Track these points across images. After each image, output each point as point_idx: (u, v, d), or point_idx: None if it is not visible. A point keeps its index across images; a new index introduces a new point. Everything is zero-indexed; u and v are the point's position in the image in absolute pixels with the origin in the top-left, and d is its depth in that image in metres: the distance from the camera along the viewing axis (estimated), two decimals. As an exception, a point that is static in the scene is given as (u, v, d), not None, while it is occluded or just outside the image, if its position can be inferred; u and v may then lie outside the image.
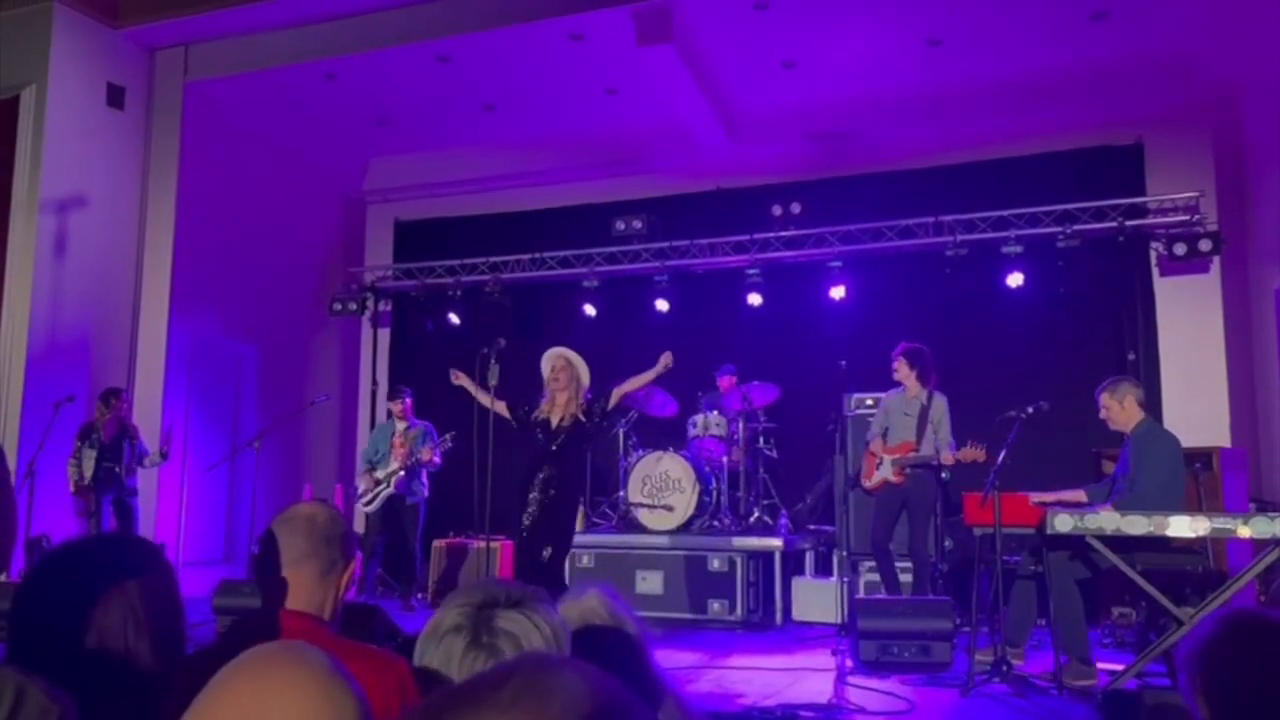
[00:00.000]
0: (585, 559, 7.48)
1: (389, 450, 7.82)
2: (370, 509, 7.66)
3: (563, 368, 5.91)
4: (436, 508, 8.96)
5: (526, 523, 5.89)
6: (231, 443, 8.84)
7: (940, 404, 6.43)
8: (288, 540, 1.85)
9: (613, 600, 1.69)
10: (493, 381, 6.55)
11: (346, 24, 8.07)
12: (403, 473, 7.68)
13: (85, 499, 7.27)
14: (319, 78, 8.67)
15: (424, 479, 7.87)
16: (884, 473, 6.39)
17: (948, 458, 6.21)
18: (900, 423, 6.44)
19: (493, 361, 5.91)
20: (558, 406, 5.95)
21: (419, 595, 8.20)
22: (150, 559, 1.57)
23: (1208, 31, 7.49)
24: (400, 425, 7.92)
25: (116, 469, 7.28)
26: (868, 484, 6.58)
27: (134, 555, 1.55)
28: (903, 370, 6.42)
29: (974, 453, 6.14)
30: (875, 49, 7.99)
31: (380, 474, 7.71)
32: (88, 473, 7.24)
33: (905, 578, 6.69)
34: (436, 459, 7.73)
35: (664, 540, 7.39)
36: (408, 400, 8.01)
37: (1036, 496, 5.25)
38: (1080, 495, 5.30)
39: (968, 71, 8.16)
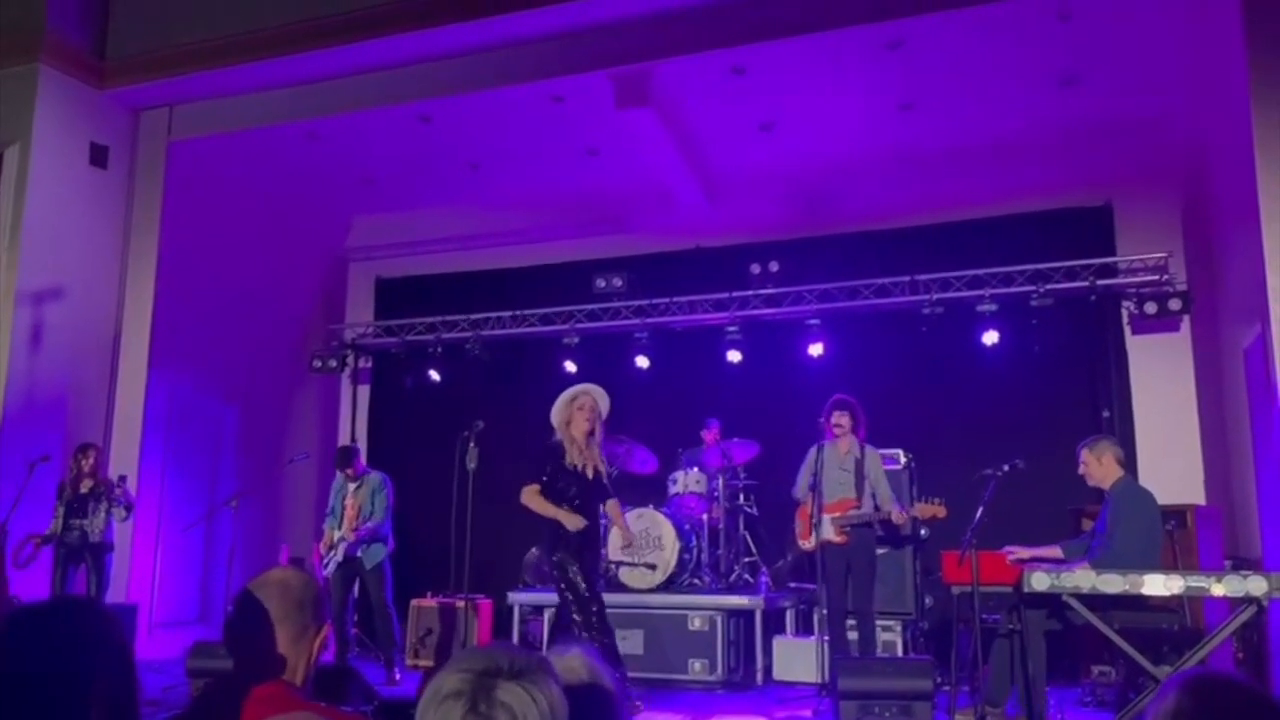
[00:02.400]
0: (565, 618, 7.41)
1: (341, 511, 7.40)
2: (327, 572, 7.26)
3: (593, 405, 5.64)
4: (415, 565, 8.89)
5: (594, 577, 5.67)
6: (209, 501, 8.77)
7: (875, 458, 6.36)
8: (260, 607, 1.85)
9: (594, 659, 1.71)
10: (471, 464, 6.51)
11: (330, 85, 8.18)
12: (349, 538, 7.23)
13: (39, 547, 7.07)
14: (302, 137, 8.77)
15: (386, 538, 7.37)
16: (824, 532, 6.25)
17: (899, 517, 6.13)
18: (836, 478, 6.32)
19: (471, 444, 5.84)
20: (591, 451, 5.65)
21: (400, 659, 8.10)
22: (106, 631, 1.55)
23: (1173, 96, 7.70)
24: (351, 486, 7.44)
25: (85, 525, 7.13)
26: (806, 545, 6.41)
27: (90, 626, 1.54)
28: (846, 422, 6.32)
29: (933, 509, 6.10)
30: (851, 112, 8.16)
31: (338, 533, 7.31)
32: (57, 528, 7.11)
33: (885, 636, 6.66)
34: (361, 534, 7.20)
35: (645, 599, 7.35)
36: (356, 462, 7.59)
37: (1014, 554, 5.27)
38: (1056, 551, 5.33)
39: (941, 134, 8.34)
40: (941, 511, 6.10)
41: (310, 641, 1.89)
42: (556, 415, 5.59)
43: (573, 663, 1.65)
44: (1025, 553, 5.26)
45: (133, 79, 8.41)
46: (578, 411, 5.50)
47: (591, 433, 5.48)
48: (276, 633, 1.84)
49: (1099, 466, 5.25)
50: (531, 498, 5.56)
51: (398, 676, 7.18)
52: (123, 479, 7.50)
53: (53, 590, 7.04)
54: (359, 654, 7.99)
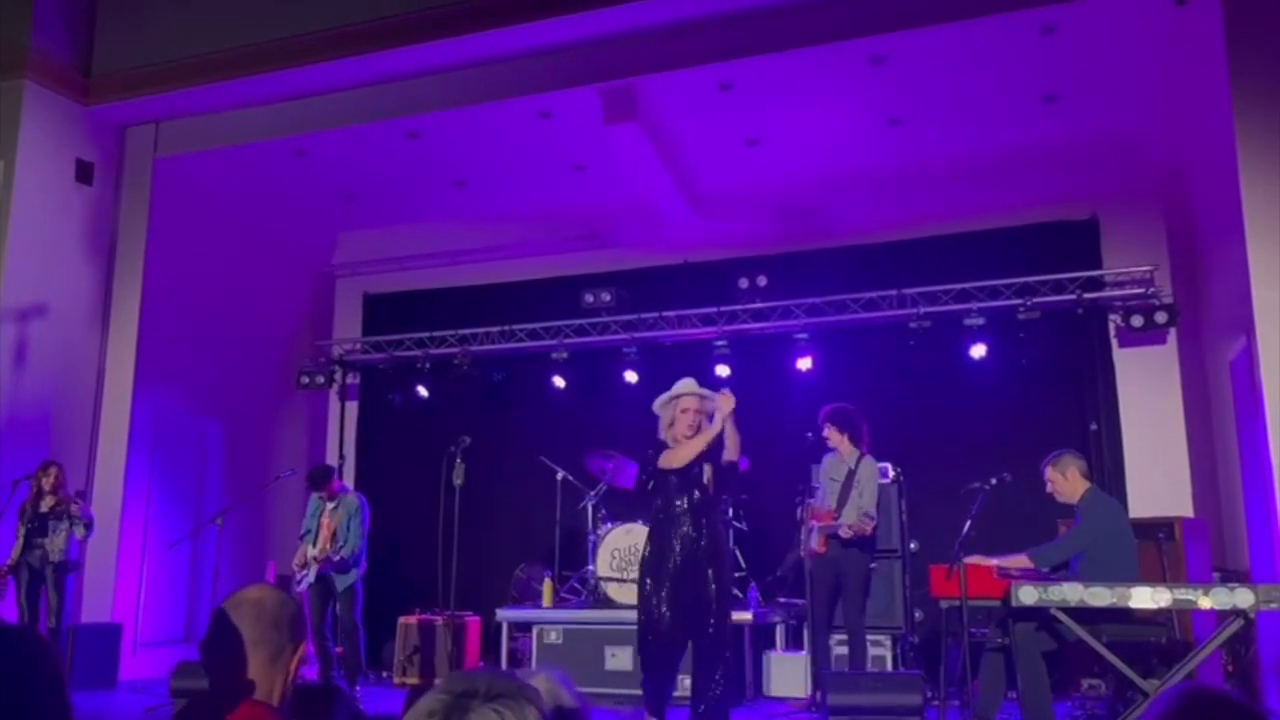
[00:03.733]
0: (553, 635, 7.39)
1: (318, 528, 7.26)
2: (301, 588, 7.15)
3: (696, 409, 5.10)
4: (403, 582, 8.85)
5: (668, 579, 5.00)
6: (195, 519, 8.71)
7: (868, 468, 6.32)
8: (235, 627, 1.83)
9: (562, 685, 1.68)
10: (458, 481, 6.42)
11: (317, 101, 8.18)
12: (319, 560, 7.12)
13: (6, 577, 6.93)
14: (289, 153, 8.76)
15: (359, 561, 7.21)
16: (812, 542, 6.27)
17: (845, 531, 6.09)
18: (828, 488, 6.34)
19: (458, 461, 5.74)
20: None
21: (384, 675, 8.05)
22: (39, 659, 1.49)
23: (1157, 111, 7.76)
24: (328, 505, 7.29)
25: (45, 544, 6.97)
26: (801, 553, 6.51)
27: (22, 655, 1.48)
28: (833, 435, 6.34)
29: (861, 524, 6.10)
30: (837, 127, 8.19)
31: (313, 552, 7.19)
32: (16, 550, 6.99)
33: (875, 651, 6.62)
34: (335, 559, 7.04)
35: (634, 615, 7.29)
36: (332, 482, 7.42)
37: (980, 563, 5.20)
38: (1023, 560, 5.26)
39: (927, 149, 8.37)
40: (867, 528, 6.11)
41: (288, 660, 1.87)
42: (660, 410, 5.22)
43: (537, 685, 1.63)
44: (991, 562, 5.21)
45: (119, 95, 8.40)
46: (680, 414, 5.10)
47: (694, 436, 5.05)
48: (253, 652, 1.82)
49: (1065, 482, 5.25)
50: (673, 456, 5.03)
51: (358, 693, 7.10)
52: (80, 494, 7.37)
53: (20, 613, 6.93)
54: (345, 673, 7.92)
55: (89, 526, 7.15)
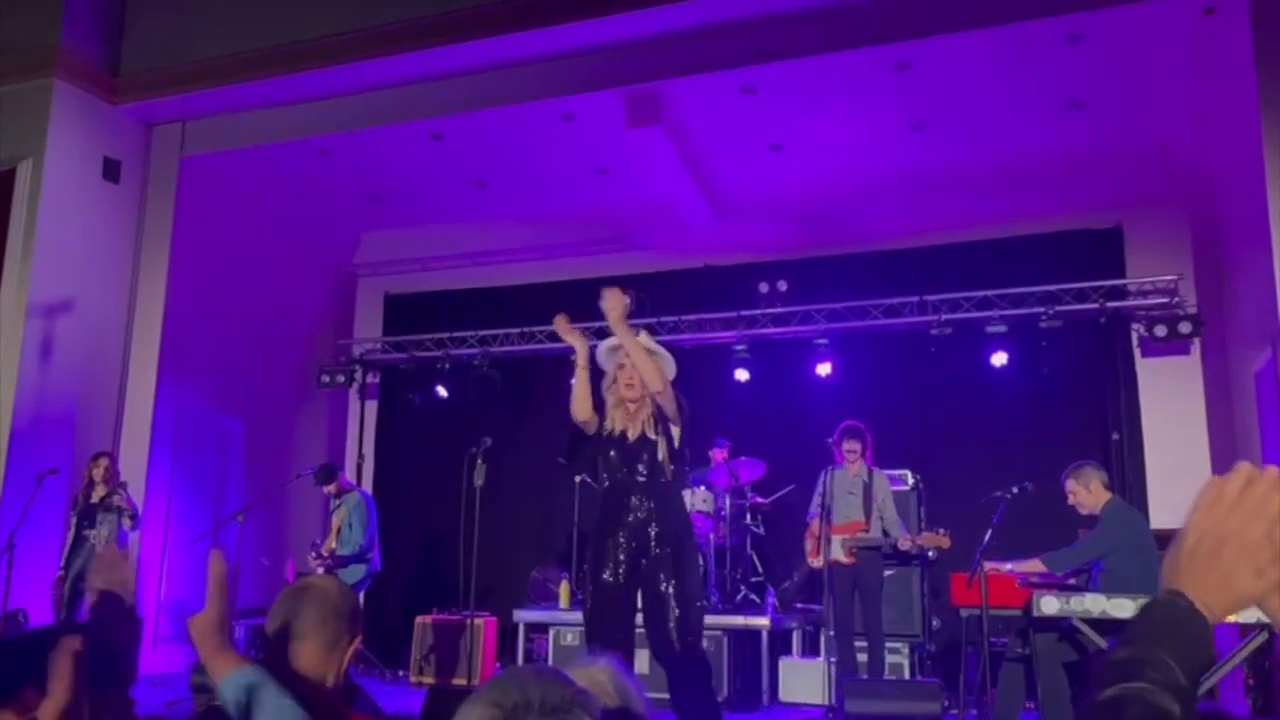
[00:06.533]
0: (569, 636, 7.39)
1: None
2: None
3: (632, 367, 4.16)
4: (420, 582, 8.88)
5: (610, 581, 3.99)
6: (215, 516, 8.76)
7: (882, 481, 6.54)
8: (298, 611, 1.87)
9: (623, 675, 1.59)
10: (479, 481, 6.44)
11: (341, 102, 8.22)
12: (325, 556, 7.27)
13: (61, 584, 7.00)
14: (313, 154, 8.81)
15: (365, 557, 7.31)
16: (833, 553, 6.37)
17: (905, 543, 6.26)
18: (845, 501, 6.47)
19: (480, 461, 5.72)
20: (632, 414, 4.19)
21: (400, 674, 8.07)
22: None
23: (1183, 119, 7.70)
24: (335, 502, 7.48)
25: (92, 535, 7.02)
26: (815, 563, 6.59)
27: None
28: (857, 449, 6.49)
29: (938, 539, 6.17)
30: (860, 133, 8.17)
31: (323, 546, 7.37)
32: (69, 542, 7.06)
33: (893, 659, 6.62)
34: (327, 564, 7.17)
35: (650, 618, 7.30)
36: (339, 479, 7.63)
37: (996, 569, 5.19)
38: (1038, 565, 5.24)
39: (951, 155, 8.34)
40: (945, 543, 6.21)
41: (343, 651, 1.92)
42: (603, 359, 4.35)
43: (599, 676, 1.54)
44: (1007, 566, 5.20)
45: (146, 94, 8.46)
46: (619, 370, 4.22)
47: (638, 399, 4.11)
48: (312, 636, 1.87)
49: (1088, 494, 5.23)
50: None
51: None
52: (123, 485, 7.46)
53: (56, 605, 6.98)
54: (363, 670, 7.96)
55: (135, 517, 7.18)
